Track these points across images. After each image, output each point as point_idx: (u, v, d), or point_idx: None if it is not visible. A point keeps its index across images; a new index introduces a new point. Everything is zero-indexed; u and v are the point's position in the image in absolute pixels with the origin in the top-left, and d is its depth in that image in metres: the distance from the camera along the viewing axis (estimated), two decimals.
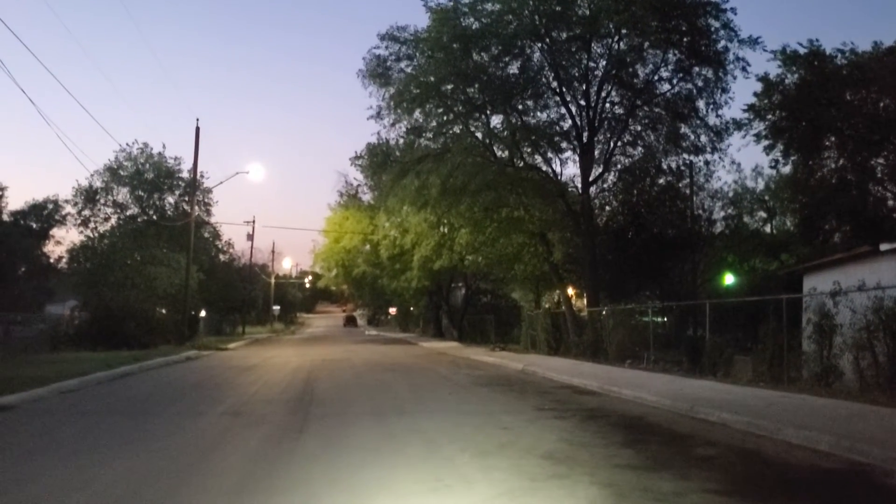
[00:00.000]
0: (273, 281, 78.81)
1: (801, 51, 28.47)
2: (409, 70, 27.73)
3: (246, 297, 60.07)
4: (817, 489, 6.38)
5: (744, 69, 26.60)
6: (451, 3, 25.99)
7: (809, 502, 5.98)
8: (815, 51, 28.42)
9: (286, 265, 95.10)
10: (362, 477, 6.42)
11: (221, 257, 52.99)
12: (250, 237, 61.52)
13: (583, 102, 27.86)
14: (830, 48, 28.64)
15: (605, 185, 31.51)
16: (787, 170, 31.91)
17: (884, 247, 15.72)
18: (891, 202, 28.79)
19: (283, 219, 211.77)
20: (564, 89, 27.80)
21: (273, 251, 79.17)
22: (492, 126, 28.55)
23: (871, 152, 28.25)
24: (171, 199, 43.65)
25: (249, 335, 51.72)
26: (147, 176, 41.98)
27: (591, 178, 28.43)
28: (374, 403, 12.07)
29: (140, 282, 33.46)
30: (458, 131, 28.46)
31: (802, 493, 6.25)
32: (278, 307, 79.66)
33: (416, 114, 28.01)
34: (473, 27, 26.18)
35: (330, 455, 7.38)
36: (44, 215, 43.06)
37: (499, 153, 28.79)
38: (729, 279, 32.26)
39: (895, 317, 11.92)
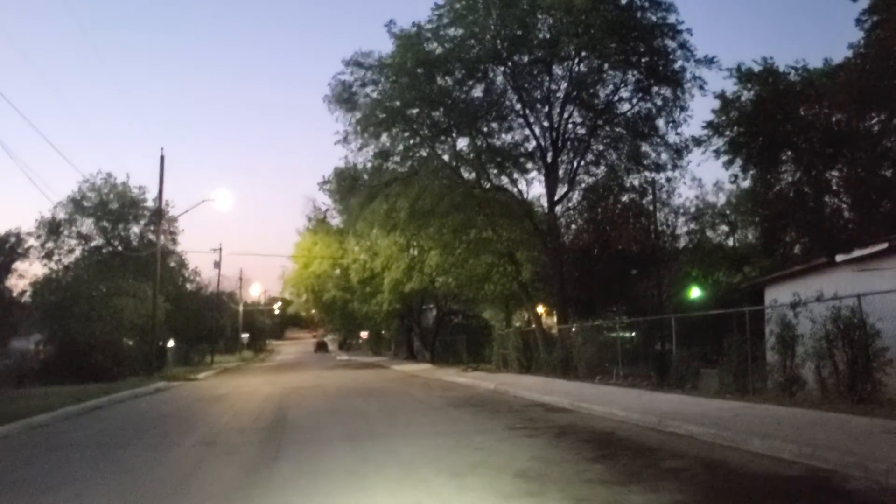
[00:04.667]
0: (241, 309, 78.05)
1: (756, 68, 29.25)
2: (374, 95, 27.93)
3: (214, 325, 59.44)
4: (781, 497, 6.59)
5: (701, 87, 27.29)
6: (415, 29, 26.32)
7: None
8: (769, 68, 29.18)
9: (255, 292, 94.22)
10: (340, 501, 6.51)
11: (188, 286, 52.48)
12: (217, 265, 61.01)
13: (546, 124, 28.34)
14: (784, 65, 29.48)
15: (570, 204, 31.96)
16: (746, 184, 32.59)
17: (840, 258, 16.18)
18: (846, 214, 29.53)
19: (252, 245, 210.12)
20: (528, 111, 28.25)
21: (241, 278, 78.51)
22: (458, 148, 28.88)
23: (825, 165, 29.02)
24: (136, 230, 43.31)
25: (218, 364, 51.13)
26: (111, 206, 41.60)
27: (556, 198, 28.82)
28: (348, 428, 12.11)
29: (106, 314, 33.00)
30: (425, 154, 28.71)
31: (766, 501, 6.46)
32: (247, 335, 78.84)
33: (383, 138, 28.22)
34: (437, 52, 26.54)
35: (306, 481, 7.45)
36: (6, 249, 42.28)
37: (466, 175, 29.07)
38: (694, 293, 32.74)
39: (852, 325, 12.27)
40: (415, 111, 27.21)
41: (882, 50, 23.14)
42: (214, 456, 9.44)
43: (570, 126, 28.80)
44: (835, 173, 29.40)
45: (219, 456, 9.41)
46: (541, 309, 32.99)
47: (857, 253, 15.64)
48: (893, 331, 11.91)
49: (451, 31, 26.53)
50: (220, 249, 60.72)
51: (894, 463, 6.81)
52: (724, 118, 30.14)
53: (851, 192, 28.27)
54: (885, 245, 14.81)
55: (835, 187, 29.63)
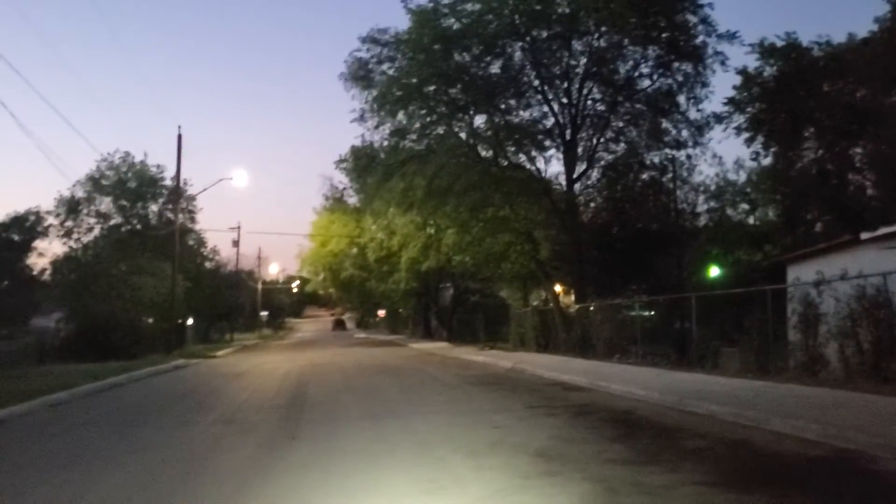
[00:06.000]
0: (260, 287, 78.46)
1: (779, 43, 28.75)
2: (391, 72, 27.71)
3: (233, 303, 59.76)
4: (805, 477, 6.46)
5: (722, 63, 26.92)
6: (432, 4, 26.01)
7: (798, 490, 6.02)
8: (793, 43, 28.69)
9: (273, 270, 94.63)
10: (357, 480, 6.46)
11: (207, 265, 52.72)
12: (236, 243, 61.26)
13: (565, 100, 28.05)
14: (807, 40, 28.96)
15: (589, 182, 31.63)
16: (767, 161, 32.16)
17: (864, 235, 15.93)
18: (870, 191, 29.05)
19: (269, 224, 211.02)
20: (546, 87, 27.95)
21: (259, 256, 78.83)
22: (475, 126, 28.62)
23: (849, 142, 28.55)
24: (154, 208, 43.56)
25: (238, 342, 51.47)
26: (130, 185, 41.78)
27: (575, 176, 28.57)
28: (366, 406, 12.09)
29: (126, 292, 33.23)
30: (442, 132, 28.49)
31: (791, 482, 6.32)
32: (266, 313, 79.34)
33: (400, 115, 28.00)
34: (454, 27, 26.21)
35: (323, 459, 7.40)
36: (25, 227, 42.46)
37: (483, 153, 28.85)
38: (714, 271, 32.44)
39: (877, 304, 12.05)
40: (431, 88, 26.94)
41: None
42: (233, 434, 9.43)
43: (589, 102, 28.55)
44: (859, 150, 28.92)
45: (237, 434, 9.40)
46: (559, 288, 32.78)
47: (882, 230, 15.39)
48: None
49: (469, 6, 26.16)
50: (239, 228, 60.95)
51: None
52: (745, 94, 29.74)
53: (876, 168, 27.78)
54: None
55: (858, 164, 29.17)
